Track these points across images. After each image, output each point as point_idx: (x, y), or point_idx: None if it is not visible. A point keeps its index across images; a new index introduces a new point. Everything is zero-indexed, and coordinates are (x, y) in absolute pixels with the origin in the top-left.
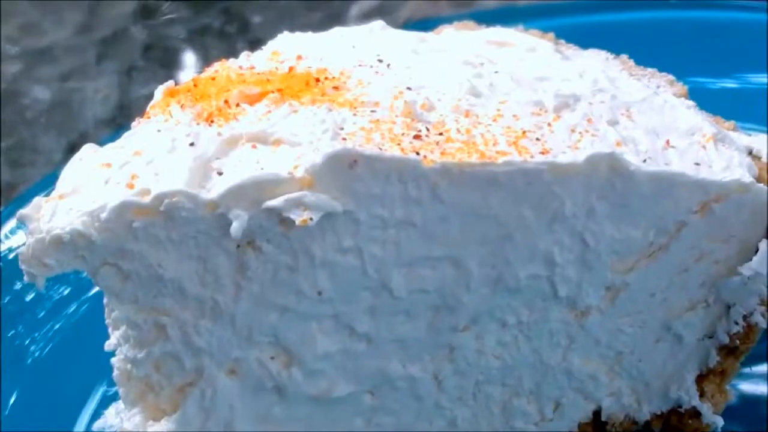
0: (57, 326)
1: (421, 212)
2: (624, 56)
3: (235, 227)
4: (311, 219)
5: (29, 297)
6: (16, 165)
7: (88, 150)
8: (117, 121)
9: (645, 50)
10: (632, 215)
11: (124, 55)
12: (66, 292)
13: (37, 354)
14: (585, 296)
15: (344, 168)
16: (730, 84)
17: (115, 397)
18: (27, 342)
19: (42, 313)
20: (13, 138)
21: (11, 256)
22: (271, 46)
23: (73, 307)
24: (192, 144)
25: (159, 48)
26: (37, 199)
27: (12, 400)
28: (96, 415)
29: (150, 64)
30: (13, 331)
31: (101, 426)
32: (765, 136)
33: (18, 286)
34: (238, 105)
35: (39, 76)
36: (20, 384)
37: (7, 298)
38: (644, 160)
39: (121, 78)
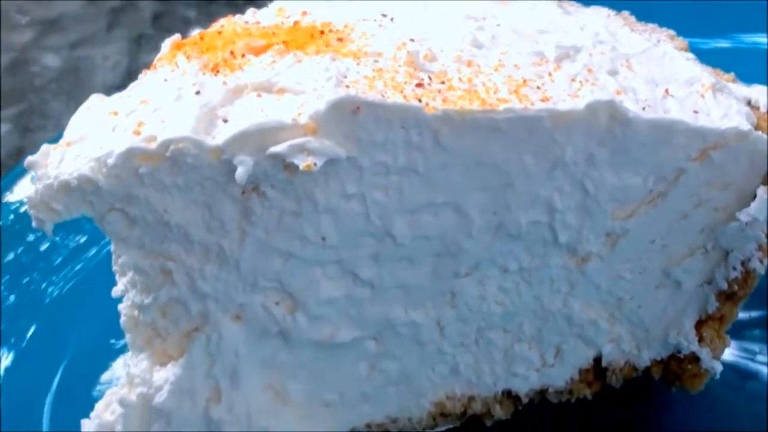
0: (77, 267)
1: (423, 159)
2: (625, 12)
3: (240, 173)
4: (315, 164)
5: (43, 247)
6: (26, 130)
7: (95, 99)
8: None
9: (640, 11)
10: (632, 162)
11: (134, 23)
12: (82, 240)
13: (55, 294)
14: (585, 242)
15: (347, 115)
16: (723, 44)
17: (123, 350)
18: (44, 285)
19: (59, 260)
20: (23, 104)
21: (22, 209)
22: (277, 3)
23: (93, 251)
24: (198, 93)
25: (168, 16)
26: (45, 146)
27: (30, 333)
28: (104, 367)
29: (159, 32)
30: (28, 278)
31: (109, 378)
32: (764, 87)
33: (31, 238)
34: (243, 56)
35: (49, 44)
36: (38, 320)
37: (21, 249)
38: (643, 108)
39: (131, 45)
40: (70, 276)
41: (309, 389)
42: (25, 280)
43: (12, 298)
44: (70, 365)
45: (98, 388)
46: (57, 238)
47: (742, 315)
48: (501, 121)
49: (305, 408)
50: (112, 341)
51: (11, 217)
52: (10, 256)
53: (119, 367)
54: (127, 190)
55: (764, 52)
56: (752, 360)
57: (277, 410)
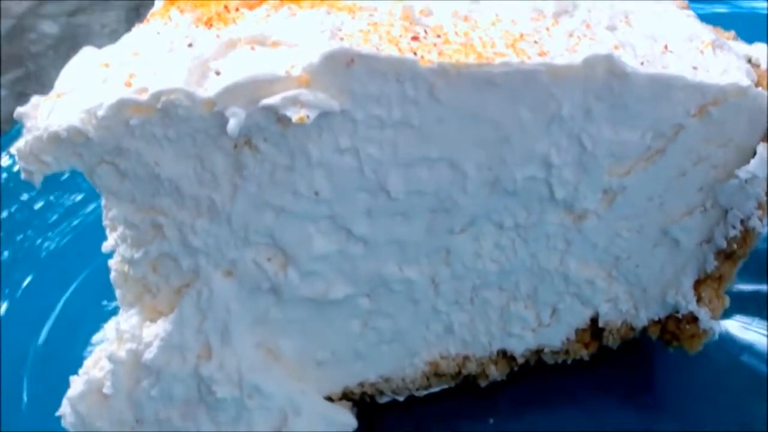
0: (74, 222)
1: (418, 113)
2: None
3: (232, 125)
4: (308, 117)
5: (38, 206)
6: (23, 96)
7: (86, 51)
8: None
9: None
10: (630, 117)
11: None
12: (78, 198)
13: (52, 247)
14: (582, 199)
15: (341, 67)
16: (721, 9)
17: (114, 312)
18: (39, 241)
19: (54, 217)
20: (20, 71)
21: (16, 168)
22: None
23: (91, 207)
24: (190, 45)
25: None
26: (35, 98)
27: (25, 283)
28: (95, 328)
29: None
30: (21, 235)
31: (100, 339)
32: (764, 45)
33: (25, 197)
34: (237, 10)
35: (47, 12)
36: (34, 271)
37: (14, 207)
38: (642, 63)
39: (129, 14)
40: (67, 231)
41: (301, 347)
42: (19, 237)
43: (6, 253)
44: (59, 325)
45: (89, 348)
46: (52, 197)
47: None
48: (497, 75)
49: (297, 366)
50: (104, 302)
51: (4, 176)
52: (4, 214)
53: (110, 329)
54: (118, 142)
55: (763, 16)
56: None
57: (268, 368)
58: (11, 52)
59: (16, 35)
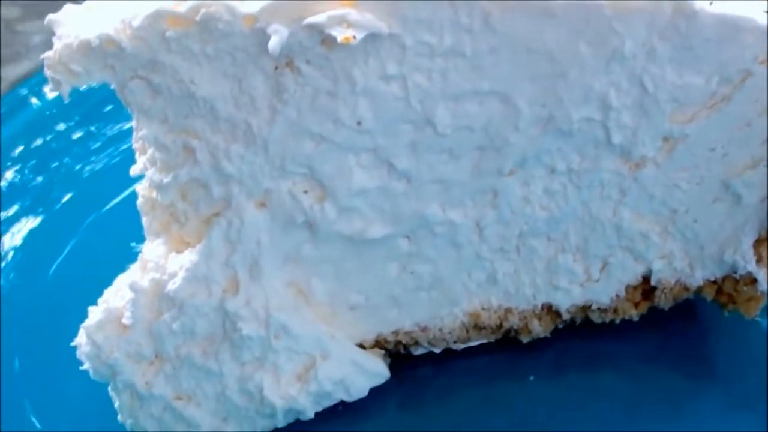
0: (123, 147)
1: (471, 41)
2: None
3: (274, 42)
4: (354, 37)
5: (76, 135)
6: None
7: None
8: None
9: None
10: (695, 60)
11: None
12: (126, 127)
13: (97, 168)
14: (640, 146)
15: None
16: None
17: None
18: (78, 167)
19: (97, 145)
20: None
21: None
22: None
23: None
24: None
25: None
26: (68, 6)
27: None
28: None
29: None
30: (57, 162)
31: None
32: None
33: (62, 127)
34: None
35: None
36: (75, 189)
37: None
38: (710, 3)
39: None
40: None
41: (334, 289)
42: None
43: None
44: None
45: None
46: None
47: None
48: (557, 6)
49: (329, 309)
50: (133, 244)
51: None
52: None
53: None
54: (152, 55)
55: None
56: None
57: (298, 308)
58: None
59: None
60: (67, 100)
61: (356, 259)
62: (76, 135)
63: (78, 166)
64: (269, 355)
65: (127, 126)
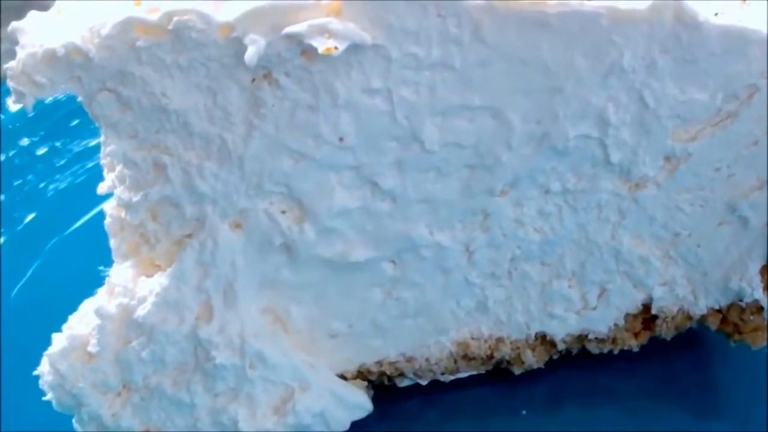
0: (89, 165)
1: (460, 53)
2: None
3: (251, 53)
4: (336, 48)
5: (41, 151)
6: None
7: None
8: None
9: None
10: (699, 74)
11: None
12: (93, 143)
13: (62, 187)
14: (641, 165)
15: None
16: None
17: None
18: (42, 185)
19: (62, 162)
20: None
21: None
22: None
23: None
24: None
25: None
26: (33, 12)
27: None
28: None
29: None
30: (21, 180)
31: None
32: None
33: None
34: None
35: None
36: (39, 209)
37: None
38: (716, 14)
39: None
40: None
41: (314, 315)
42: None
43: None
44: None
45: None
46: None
47: None
48: (552, 16)
49: (308, 337)
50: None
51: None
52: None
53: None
54: (122, 66)
55: None
56: None
57: (275, 336)
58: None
59: None
60: (30, 114)
61: (337, 284)
62: (41, 151)
63: (42, 184)
64: (244, 385)
65: (94, 142)
